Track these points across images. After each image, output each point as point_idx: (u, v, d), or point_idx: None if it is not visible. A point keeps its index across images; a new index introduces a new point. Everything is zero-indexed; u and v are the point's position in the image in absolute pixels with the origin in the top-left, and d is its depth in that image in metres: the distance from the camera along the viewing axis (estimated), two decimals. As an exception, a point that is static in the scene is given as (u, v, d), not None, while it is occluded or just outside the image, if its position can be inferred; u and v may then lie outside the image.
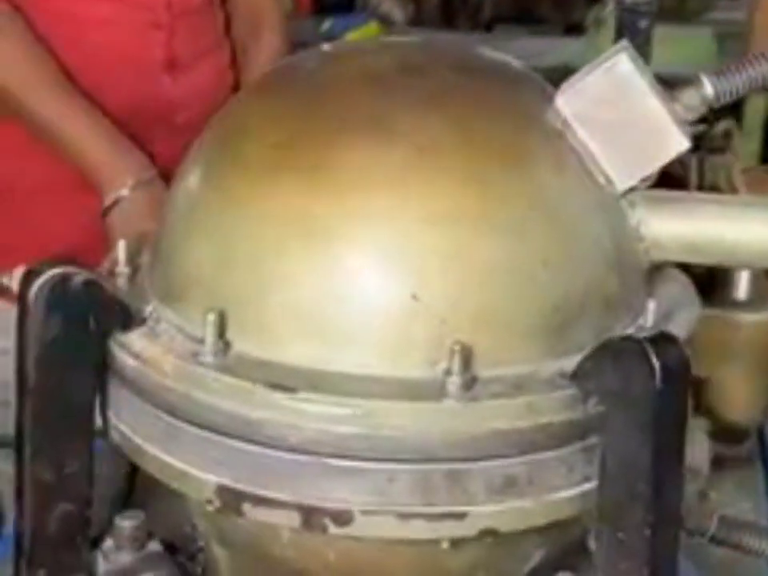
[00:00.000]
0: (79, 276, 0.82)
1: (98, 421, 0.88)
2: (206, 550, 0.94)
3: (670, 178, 0.92)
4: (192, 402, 0.81)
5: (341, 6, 3.29)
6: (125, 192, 1.47)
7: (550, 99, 0.88)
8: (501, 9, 3.75)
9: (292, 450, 0.79)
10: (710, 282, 1.22)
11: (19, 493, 0.84)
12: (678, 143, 0.87)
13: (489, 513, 0.80)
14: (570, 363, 0.81)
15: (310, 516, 0.79)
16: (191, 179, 0.89)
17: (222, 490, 0.81)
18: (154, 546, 0.90)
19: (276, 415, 0.79)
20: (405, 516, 0.79)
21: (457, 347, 0.78)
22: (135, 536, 0.89)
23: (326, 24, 3.01)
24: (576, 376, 0.80)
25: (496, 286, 0.81)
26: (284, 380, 0.79)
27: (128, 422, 0.86)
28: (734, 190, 1.37)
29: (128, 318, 0.85)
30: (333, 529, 0.79)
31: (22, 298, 0.81)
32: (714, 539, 0.99)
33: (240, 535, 0.87)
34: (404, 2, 3.46)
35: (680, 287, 0.94)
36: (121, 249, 0.90)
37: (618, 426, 0.77)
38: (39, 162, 1.56)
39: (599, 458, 0.78)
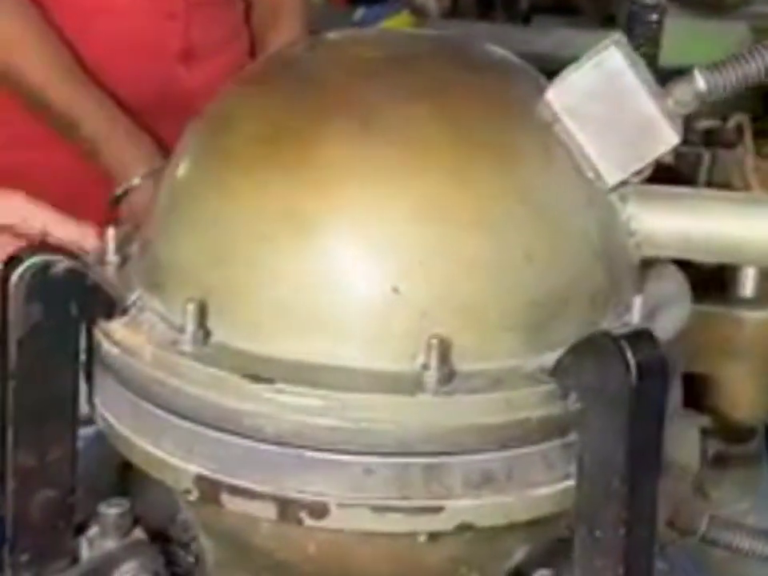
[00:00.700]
0: (62, 263, 0.82)
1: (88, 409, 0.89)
2: (196, 539, 0.94)
3: (677, 175, 0.91)
4: (170, 391, 0.81)
5: (376, -3, 3.27)
6: (137, 181, 1.48)
7: (542, 93, 0.87)
8: (538, 0, 3.73)
9: (269, 441, 0.78)
10: (716, 278, 1.20)
11: (1, 478, 0.84)
12: (669, 138, 0.86)
13: (466, 507, 0.79)
14: (553, 359, 0.80)
15: (286, 508, 0.79)
16: (177, 169, 0.89)
17: (200, 480, 0.81)
18: (139, 533, 0.90)
19: (253, 406, 0.78)
20: (381, 509, 0.78)
21: (434, 341, 0.78)
22: (119, 524, 0.89)
23: (359, 13, 2.99)
24: (555, 372, 0.79)
25: (478, 280, 0.81)
26: (262, 371, 0.79)
27: (112, 410, 0.86)
28: (747, 185, 1.36)
29: (112, 307, 0.85)
30: (308, 521, 0.79)
31: (3, 284, 0.81)
32: (704, 539, 0.98)
33: (222, 525, 0.87)
34: (439, -7, 3.43)
35: (673, 284, 0.93)
36: (110, 237, 0.91)
37: (595, 423, 0.76)
38: (49, 153, 1.56)
39: (577, 454, 0.78)
